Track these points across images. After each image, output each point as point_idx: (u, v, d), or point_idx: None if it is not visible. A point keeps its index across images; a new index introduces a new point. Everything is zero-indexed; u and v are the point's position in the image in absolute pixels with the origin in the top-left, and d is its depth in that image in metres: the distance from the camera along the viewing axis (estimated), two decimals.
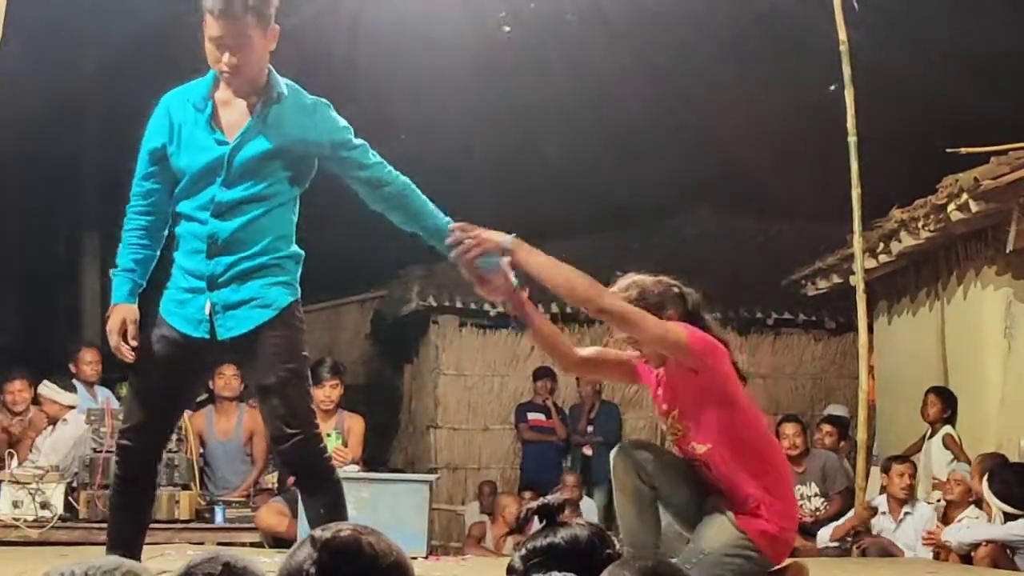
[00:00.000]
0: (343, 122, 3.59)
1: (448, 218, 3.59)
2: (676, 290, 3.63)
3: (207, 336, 3.49)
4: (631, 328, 3.46)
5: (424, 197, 3.61)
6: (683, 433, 3.58)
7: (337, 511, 3.48)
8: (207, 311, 3.48)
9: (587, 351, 3.81)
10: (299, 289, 3.58)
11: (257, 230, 3.48)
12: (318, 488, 3.56)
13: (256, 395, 3.63)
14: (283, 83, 3.54)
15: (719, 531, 3.54)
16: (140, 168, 3.61)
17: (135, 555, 3.43)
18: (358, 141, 3.60)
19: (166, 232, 3.63)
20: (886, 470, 6.84)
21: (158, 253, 3.64)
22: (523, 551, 2.19)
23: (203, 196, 3.48)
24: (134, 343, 3.50)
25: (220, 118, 3.50)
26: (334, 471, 3.63)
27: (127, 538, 3.55)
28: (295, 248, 3.59)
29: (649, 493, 3.61)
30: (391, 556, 1.76)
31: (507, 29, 10.25)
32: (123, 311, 3.53)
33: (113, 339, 3.51)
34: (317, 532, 1.78)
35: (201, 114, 3.49)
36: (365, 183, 3.61)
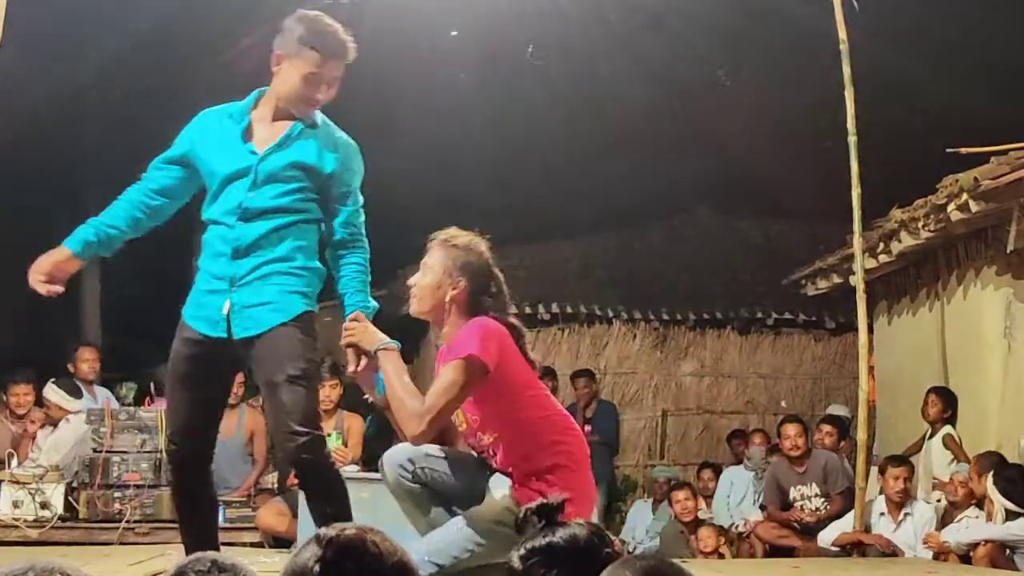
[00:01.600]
0: (360, 170, 3.74)
1: (375, 304, 3.71)
2: (470, 257, 3.52)
3: (224, 335, 3.58)
4: (453, 409, 3.42)
5: (365, 277, 3.73)
6: (470, 425, 3.52)
7: (344, 512, 3.53)
8: (225, 311, 3.57)
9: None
10: (316, 303, 3.68)
11: (280, 238, 3.61)
12: (325, 490, 3.60)
13: (264, 393, 3.64)
14: (320, 116, 3.71)
15: (492, 499, 3.38)
16: (160, 159, 3.75)
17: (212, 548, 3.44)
18: (360, 198, 3.74)
19: (141, 229, 3.76)
20: (882, 471, 6.84)
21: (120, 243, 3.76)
22: (522, 551, 2.18)
23: (231, 201, 3.61)
24: (57, 290, 3.65)
25: (254, 133, 3.66)
26: (338, 472, 3.71)
27: (200, 537, 3.70)
28: (317, 263, 3.71)
29: (422, 491, 3.54)
30: (395, 555, 1.76)
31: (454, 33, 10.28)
32: (65, 254, 3.68)
33: (45, 263, 3.64)
34: (322, 530, 1.79)
35: (237, 126, 3.66)
36: (338, 237, 3.70)
